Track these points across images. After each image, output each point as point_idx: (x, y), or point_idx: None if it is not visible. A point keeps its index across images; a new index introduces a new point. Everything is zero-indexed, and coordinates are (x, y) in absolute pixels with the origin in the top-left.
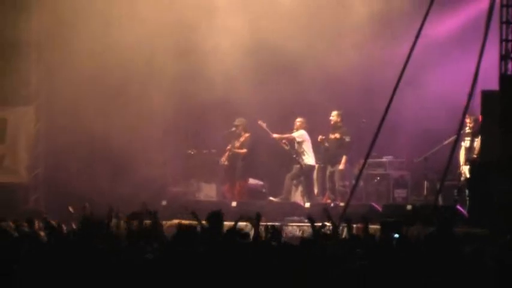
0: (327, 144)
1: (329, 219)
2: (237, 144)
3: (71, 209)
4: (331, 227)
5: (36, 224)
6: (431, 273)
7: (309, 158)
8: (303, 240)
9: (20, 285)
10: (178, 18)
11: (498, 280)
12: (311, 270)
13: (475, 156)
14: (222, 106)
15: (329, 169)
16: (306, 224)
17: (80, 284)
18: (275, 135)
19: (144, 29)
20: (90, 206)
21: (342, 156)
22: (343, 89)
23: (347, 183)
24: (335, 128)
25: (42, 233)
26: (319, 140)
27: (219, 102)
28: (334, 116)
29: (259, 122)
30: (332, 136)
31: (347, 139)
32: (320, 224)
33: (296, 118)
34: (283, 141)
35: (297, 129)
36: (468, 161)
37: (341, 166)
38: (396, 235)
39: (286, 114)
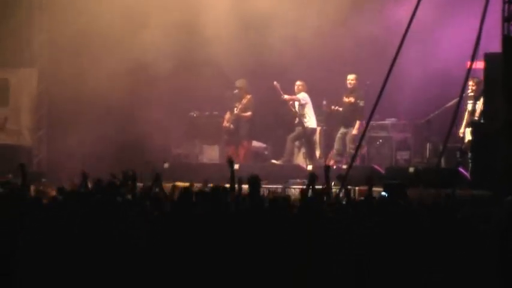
0: (338, 108)
1: (327, 181)
2: (240, 106)
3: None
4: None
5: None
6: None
7: (311, 121)
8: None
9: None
10: None
11: (502, 243)
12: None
13: (476, 118)
14: (219, 67)
15: (341, 131)
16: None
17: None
18: (286, 97)
19: None
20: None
21: (355, 121)
22: (348, 51)
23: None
24: (351, 91)
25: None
26: (331, 109)
27: (215, 62)
28: (352, 79)
29: (275, 83)
30: (346, 100)
31: (361, 103)
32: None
33: (296, 81)
34: (290, 102)
35: (299, 92)
36: (471, 123)
37: (354, 131)
38: (384, 193)
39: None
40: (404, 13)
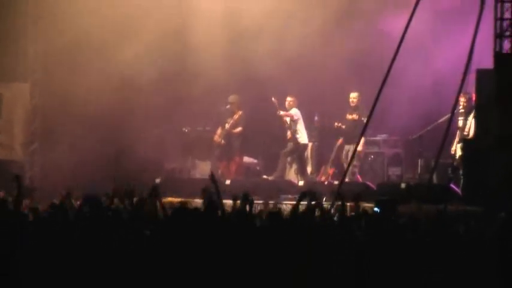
0: (342, 125)
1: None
2: (231, 121)
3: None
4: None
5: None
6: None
7: (302, 136)
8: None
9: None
10: None
11: (497, 258)
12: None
13: (466, 133)
14: (212, 82)
15: (346, 148)
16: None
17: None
18: (281, 112)
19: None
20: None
21: (358, 137)
22: (340, 67)
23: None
24: (354, 109)
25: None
26: (335, 126)
27: (207, 77)
28: (354, 97)
29: (273, 99)
30: (350, 117)
31: (365, 120)
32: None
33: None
34: (284, 118)
35: (290, 108)
36: (462, 139)
37: (359, 147)
38: (376, 209)
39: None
40: (397, 29)
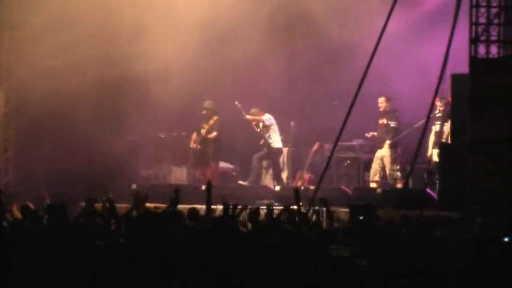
0: (373, 133)
1: (298, 202)
2: (207, 127)
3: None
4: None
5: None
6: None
7: (276, 141)
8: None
9: None
10: None
11: (474, 263)
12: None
13: (444, 140)
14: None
15: (377, 153)
16: (278, 207)
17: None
18: (248, 117)
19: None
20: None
21: (385, 141)
22: (317, 72)
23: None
24: (383, 113)
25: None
26: (370, 135)
27: (184, 81)
28: (382, 101)
29: (236, 103)
30: (380, 122)
31: (392, 124)
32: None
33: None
34: (254, 123)
35: (261, 114)
36: (438, 144)
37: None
38: (360, 217)
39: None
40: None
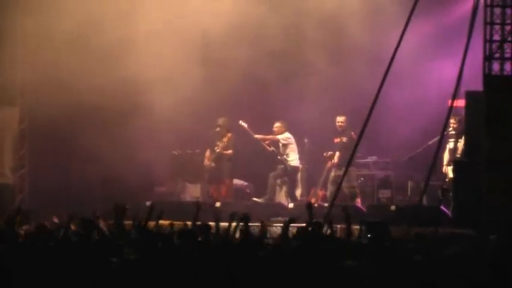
0: (330, 153)
1: (311, 217)
2: (221, 144)
3: (55, 219)
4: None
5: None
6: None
7: (294, 160)
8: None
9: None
10: None
11: (490, 281)
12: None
13: (458, 156)
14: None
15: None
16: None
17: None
18: (257, 136)
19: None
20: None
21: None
22: (332, 90)
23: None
24: (341, 132)
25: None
26: (325, 156)
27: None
28: (341, 121)
29: (240, 122)
30: (337, 140)
31: (344, 140)
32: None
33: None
34: (266, 142)
35: (278, 133)
36: (452, 161)
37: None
38: (369, 235)
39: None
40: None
